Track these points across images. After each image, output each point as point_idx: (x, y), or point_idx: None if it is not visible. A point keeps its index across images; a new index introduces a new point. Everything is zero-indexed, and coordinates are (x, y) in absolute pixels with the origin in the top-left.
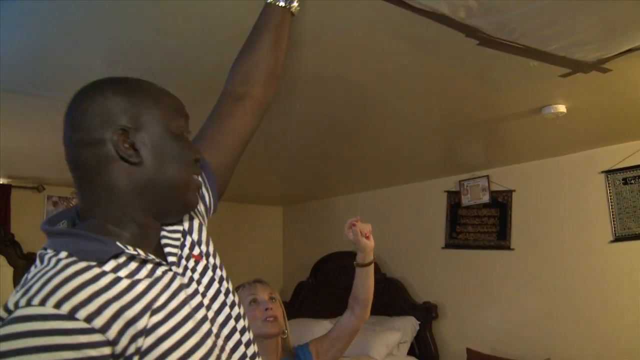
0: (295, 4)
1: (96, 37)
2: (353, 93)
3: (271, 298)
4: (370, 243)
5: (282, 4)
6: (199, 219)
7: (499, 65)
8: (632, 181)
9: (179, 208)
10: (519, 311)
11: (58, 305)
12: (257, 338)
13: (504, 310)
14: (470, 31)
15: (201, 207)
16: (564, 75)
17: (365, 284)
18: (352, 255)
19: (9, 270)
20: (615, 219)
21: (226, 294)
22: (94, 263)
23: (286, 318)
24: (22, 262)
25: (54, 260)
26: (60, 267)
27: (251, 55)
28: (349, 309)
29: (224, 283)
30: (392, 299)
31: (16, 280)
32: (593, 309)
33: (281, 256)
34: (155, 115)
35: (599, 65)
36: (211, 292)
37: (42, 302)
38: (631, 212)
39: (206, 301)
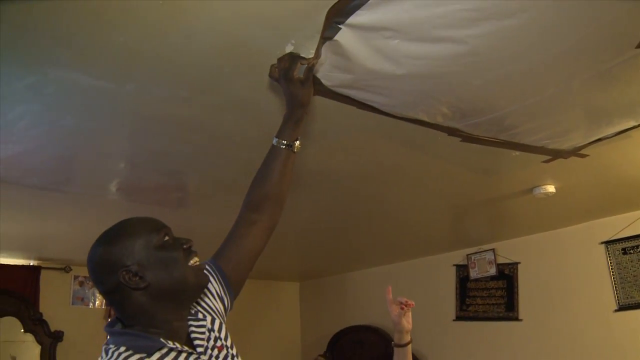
0: (297, 143)
1: (118, 146)
2: (356, 184)
3: None
4: (408, 325)
5: (284, 147)
6: (220, 319)
7: (486, 155)
8: (631, 251)
9: (193, 293)
10: None
11: None
12: None
13: None
14: (450, 131)
15: (221, 308)
16: (546, 162)
17: None
18: (366, 329)
19: (36, 348)
20: (617, 289)
21: None
22: (144, 354)
23: None
24: (49, 340)
25: (116, 353)
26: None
27: (261, 189)
28: None
29: None
30: None
31: (43, 357)
32: None
33: (299, 330)
34: (140, 245)
35: (576, 152)
36: None
37: None
38: (632, 281)
39: None
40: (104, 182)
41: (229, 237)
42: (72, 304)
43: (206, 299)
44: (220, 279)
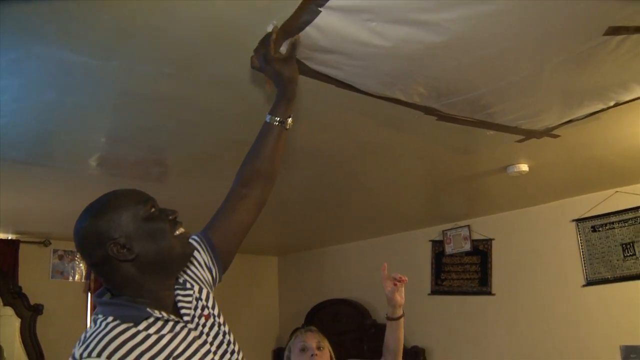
0: (289, 120)
1: (102, 121)
2: (335, 160)
3: (319, 347)
4: (401, 300)
5: (277, 123)
6: (207, 289)
7: (461, 134)
8: (600, 229)
9: (180, 263)
10: (500, 354)
11: (109, 357)
12: None
13: (486, 353)
14: (427, 110)
15: (209, 277)
16: (519, 141)
17: (395, 335)
18: (344, 302)
19: (16, 321)
20: (586, 265)
21: (228, 344)
22: (131, 324)
23: None
24: (28, 313)
25: (104, 323)
26: (109, 329)
27: (253, 164)
28: (382, 358)
29: (227, 336)
30: (382, 343)
31: (23, 331)
32: (569, 352)
33: (277, 304)
34: (127, 217)
35: (548, 132)
36: (217, 342)
37: (99, 355)
38: (600, 257)
39: (213, 348)
40: (84, 157)
41: (219, 210)
42: (52, 277)
43: (194, 269)
44: (209, 249)
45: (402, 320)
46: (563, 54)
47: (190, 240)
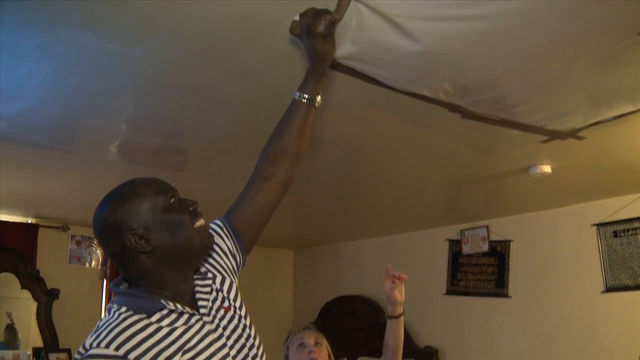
0: (318, 98)
1: (124, 107)
2: (355, 154)
3: (317, 343)
4: (400, 298)
5: (306, 100)
6: (230, 278)
7: (485, 133)
8: (622, 234)
9: (199, 255)
10: (514, 358)
11: (117, 348)
12: None
13: (500, 356)
14: (452, 107)
15: (233, 265)
16: (544, 142)
17: (394, 334)
18: (359, 299)
19: (33, 305)
20: (606, 270)
21: (247, 338)
22: (144, 315)
23: None
24: (45, 298)
25: (117, 314)
26: (121, 320)
27: (279, 142)
28: (383, 356)
29: (247, 329)
30: None
31: (39, 314)
32: (587, 358)
33: (291, 298)
34: (146, 207)
35: (573, 134)
36: (234, 335)
37: (107, 346)
38: (621, 263)
39: (229, 342)
40: (105, 143)
41: (243, 192)
42: (69, 262)
43: (217, 257)
44: (232, 234)
45: (402, 318)
46: (595, 53)
47: (213, 226)
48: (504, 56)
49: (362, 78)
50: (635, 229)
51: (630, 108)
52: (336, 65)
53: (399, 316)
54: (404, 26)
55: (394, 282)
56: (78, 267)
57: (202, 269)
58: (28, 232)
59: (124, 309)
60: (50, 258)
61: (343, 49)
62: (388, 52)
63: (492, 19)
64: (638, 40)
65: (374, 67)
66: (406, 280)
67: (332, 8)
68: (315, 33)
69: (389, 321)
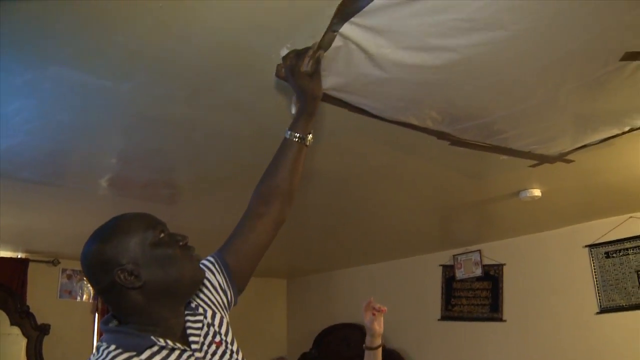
0: (309, 137)
1: (114, 142)
2: (345, 184)
3: None
4: (379, 329)
5: (297, 139)
6: (221, 313)
7: (474, 159)
8: (614, 255)
9: (189, 290)
10: None
11: None
12: None
13: None
14: (440, 134)
15: (224, 301)
16: (533, 166)
17: None
18: (353, 327)
19: (23, 341)
20: (600, 291)
21: None
22: (134, 353)
23: None
24: (35, 333)
25: (106, 352)
26: (110, 358)
27: (271, 181)
28: None
29: None
30: None
31: (29, 350)
32: None
33: (285, 327)
34: (135, 243)
35: (562, 157)
36: None
37: None
38: (614, 284)
39: None
40: (95, 177)
41: (236, 229)
42: (60, 297)
43: (207, 292)
44: (224, 271)
45: (379, 350)
46: (579, 79)
47: (205, 262)
48: (490, 84)
49: (350, 108)
50: (627, 249)
51: (615, 131)
52: (324, 96)
53: (377, 347)
54: (389, 57)
55: (374, 315)
56: (69, 302)
57: (193, 304)
58: (18, 267)
59: (112, 347)
60: (41, 293)
61: (330, 81)
62: (374, 84)
63: (476, 49)
64: (621, 66)
65: (361, 98)
66: (385, 312)
67: (318, 37)
68: (300, 72)
69: (367, 352)
